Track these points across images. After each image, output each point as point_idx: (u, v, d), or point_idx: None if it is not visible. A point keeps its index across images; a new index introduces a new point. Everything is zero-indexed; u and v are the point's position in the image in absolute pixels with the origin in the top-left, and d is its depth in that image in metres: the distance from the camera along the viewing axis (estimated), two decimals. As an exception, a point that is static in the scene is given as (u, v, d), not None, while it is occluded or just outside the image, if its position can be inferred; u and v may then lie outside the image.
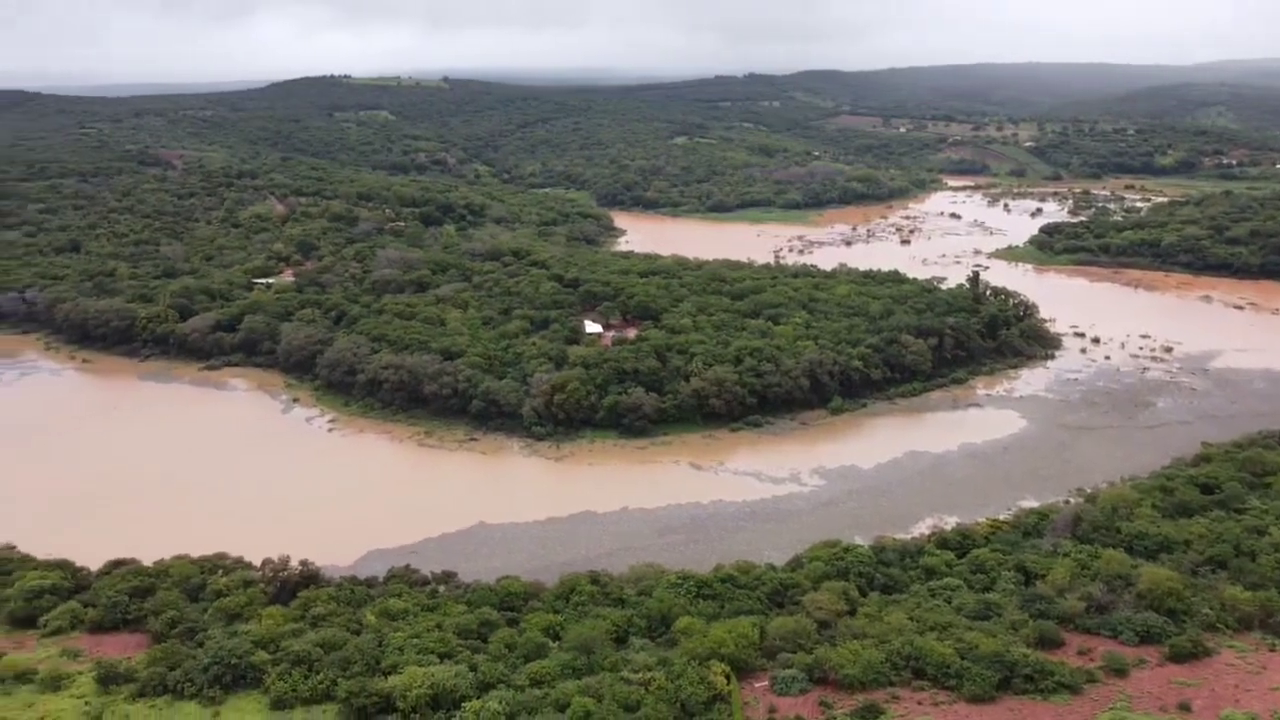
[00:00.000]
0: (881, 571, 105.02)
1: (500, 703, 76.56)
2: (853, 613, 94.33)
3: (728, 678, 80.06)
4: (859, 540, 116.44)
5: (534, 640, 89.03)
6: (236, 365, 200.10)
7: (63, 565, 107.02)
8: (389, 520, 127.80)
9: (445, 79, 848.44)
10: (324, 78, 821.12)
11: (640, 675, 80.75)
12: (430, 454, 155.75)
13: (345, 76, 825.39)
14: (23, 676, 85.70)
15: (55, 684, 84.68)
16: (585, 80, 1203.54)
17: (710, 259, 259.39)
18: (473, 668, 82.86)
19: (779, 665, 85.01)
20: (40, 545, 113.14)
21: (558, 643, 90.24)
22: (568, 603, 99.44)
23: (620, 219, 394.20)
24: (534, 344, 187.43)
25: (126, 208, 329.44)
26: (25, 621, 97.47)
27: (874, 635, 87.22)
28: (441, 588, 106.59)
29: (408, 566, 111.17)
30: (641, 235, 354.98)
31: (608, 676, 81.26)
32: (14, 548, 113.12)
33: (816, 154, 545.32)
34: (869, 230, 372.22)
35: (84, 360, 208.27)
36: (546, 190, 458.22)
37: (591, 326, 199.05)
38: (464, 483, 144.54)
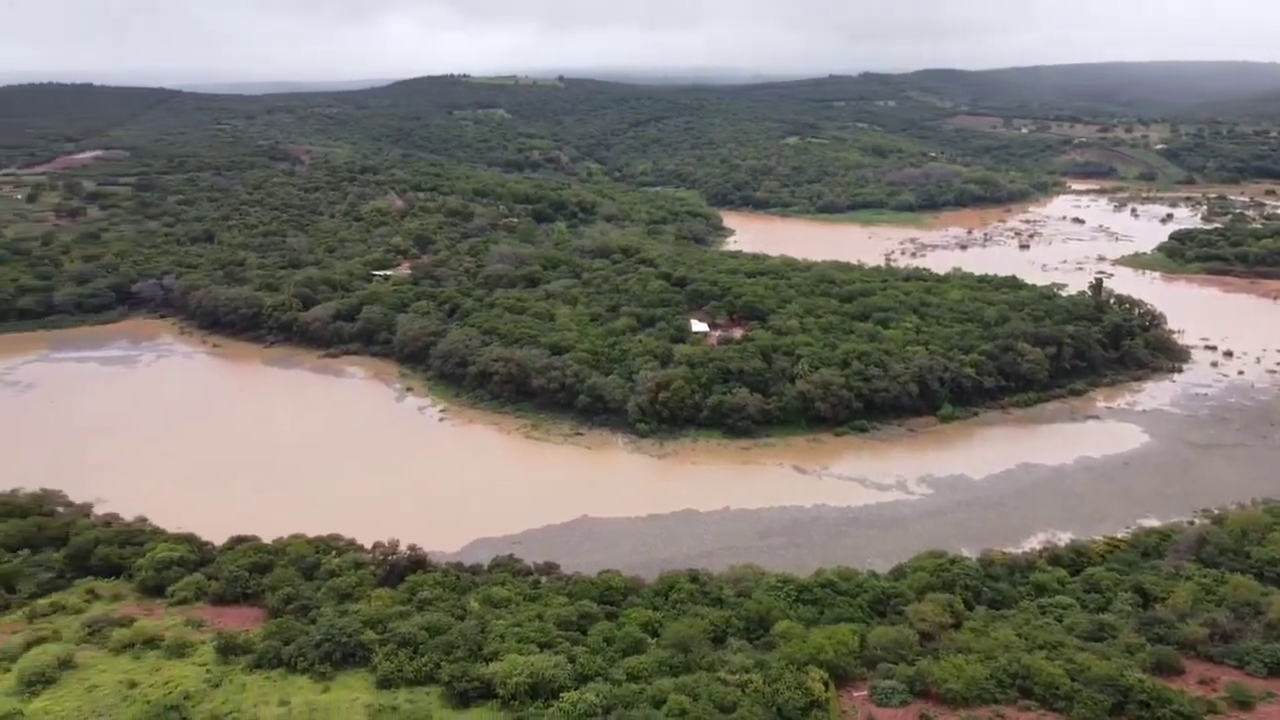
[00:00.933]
0: (989, 586, 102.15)
1: (597, 695, 77.52)
2: (957, 626, 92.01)
3: (826, 684, 79.15)
4: (966, 552, 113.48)
5: (632, 635, 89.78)
6: (354, 354, 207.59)
7: (189, 539, 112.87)
8: (494, 510, 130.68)
9: (561, 78, 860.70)
10: (444, 77, 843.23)
11: (737, 677, 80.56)
12: (536, 446, 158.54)
13: (464, 76, 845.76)
14: (151, 642, 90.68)
15: (180, 651, 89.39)
16: (699, 79, 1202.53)
17: (819, 260, 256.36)
18: (571, 659, 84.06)
19: (879, 675, 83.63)
20: (170, 519, 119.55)
21: (656, 639, 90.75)
22: (667, 600, 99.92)
23: (729, 218, 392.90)
24: (640, 341, 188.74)
25: (257, 200, 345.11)
26: (154, 590, 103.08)
27: (979, 651, 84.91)
28: (543, 578, 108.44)
29: (511, 556, 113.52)
30: (750, 235, 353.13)
31: (704, 676, 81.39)
32: (146, 520, 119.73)
33: (932, 155, 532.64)
34: (985, 234, 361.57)
35: (214, 345, 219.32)
36: (657, 189, 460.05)
37: (698, 325, 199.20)
38: (568, 476, 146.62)
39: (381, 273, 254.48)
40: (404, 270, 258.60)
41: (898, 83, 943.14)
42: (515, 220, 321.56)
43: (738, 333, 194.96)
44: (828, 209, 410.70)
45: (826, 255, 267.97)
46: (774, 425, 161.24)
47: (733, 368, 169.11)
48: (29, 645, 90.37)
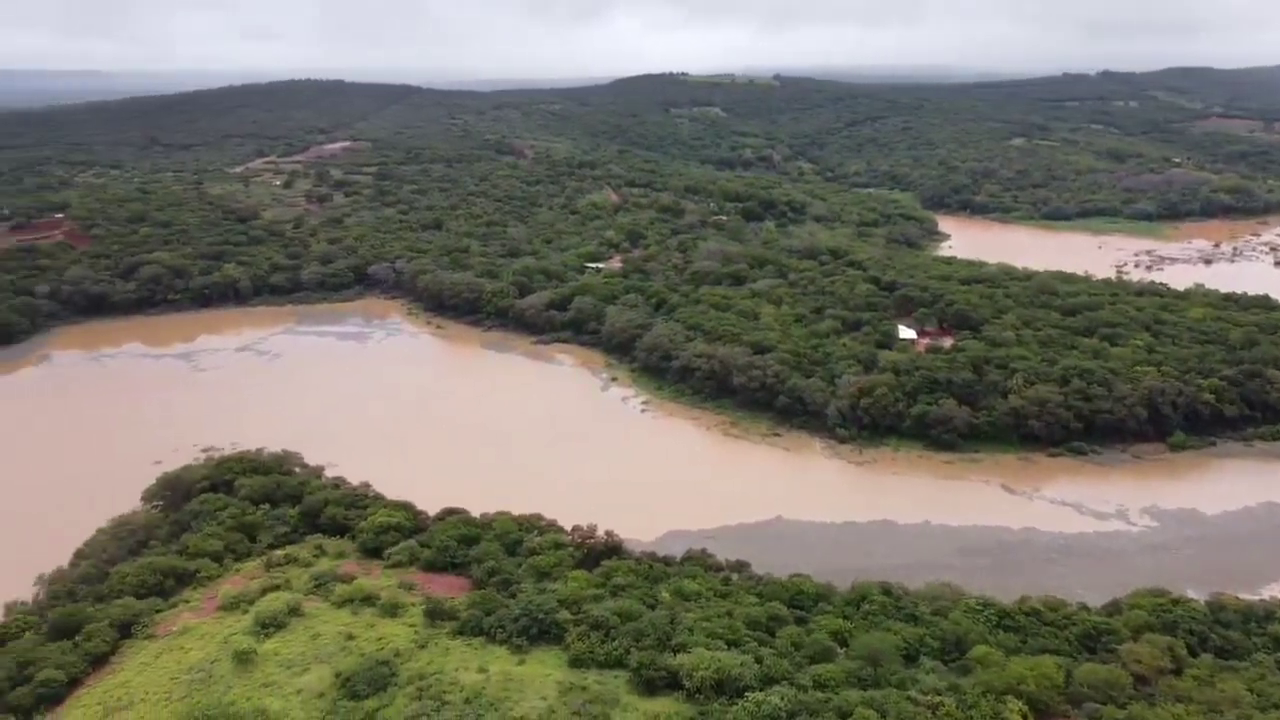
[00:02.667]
0: (1218, 633, 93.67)
1: (782, 699, 77.21)
2: (1178, 673, 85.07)
3: (1024, 717, 75.35)
4: (1192, 594, 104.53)
5: (821, 642, 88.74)
6: (564, 342, 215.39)
7: (407, 507, 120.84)
8: (690, 504, 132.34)
9: (777, 76, 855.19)
10: (663, 75, 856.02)
11: (929, 698, 78.03)
12: (734, 444, 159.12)
13: (683, 74, 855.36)
14: (368, 599, 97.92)
15: (393, 610, 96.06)
16: (920, 78, 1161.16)
17: (1041, 269, 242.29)
18: (758, 659, 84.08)
19: (1084, 715, 78.69)
20: (390, 486, 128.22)
21: (845, 649, 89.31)
22: (858, 610, 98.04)
23: (945, 222, 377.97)
24: (844, 345, 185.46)
25: (482, 192, 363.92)
26: (373, 552, 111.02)
27: (1202, 702, 78.22)
28: (734, 576, 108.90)
29: (704, 551, 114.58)
30: (966, 240, 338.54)
31: (894, 693, 79.35)
32: (369, 486, 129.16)
33: (1176, 160, 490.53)
34: (1235, 248, 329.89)
35: (437, 326, 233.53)
36: (869, 190, 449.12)
37: (905, 331, 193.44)
38: (764, 476, 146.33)
39: (594, 265, 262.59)
40: (615, 263, 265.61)
41: (1140, 82, 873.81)
42: (725, 218, 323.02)
43: (947, 341, 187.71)
44: (1053, 215, 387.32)
45: (1049, 264, 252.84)
46: (981, 440, 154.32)
47: (940, 377, 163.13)
48: (265, 591, 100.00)
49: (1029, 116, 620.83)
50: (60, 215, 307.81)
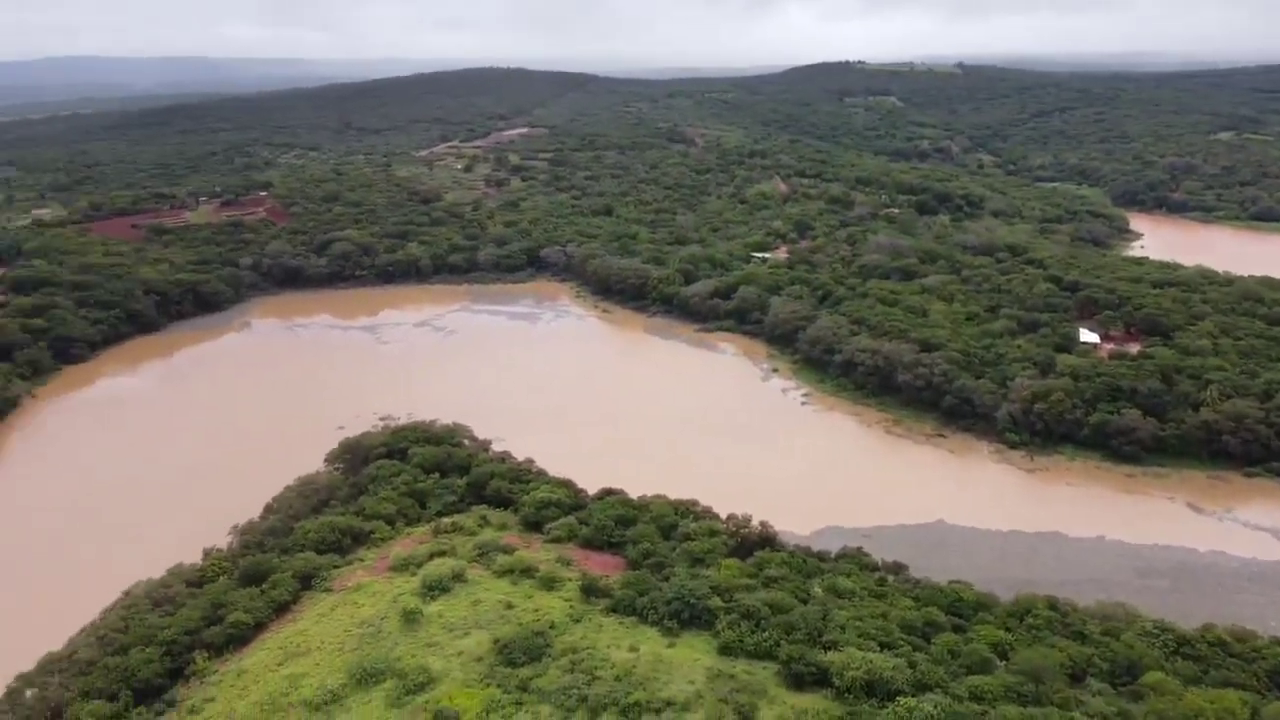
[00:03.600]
0: None
1: (935, 707, 75.10)
2: (1384, 721, 77.61)
3: (1201, 751, 70.68)
4: None
5: (979, 653, 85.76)
6: (727, 330, 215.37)
7: (567, 484, 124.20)
8: (847, 500, 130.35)
9: (959, 65, 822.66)
10: (837, 64, 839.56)
11: (1094, 720, 74.31)
12: (896, 443, 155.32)
13: (858, 63, 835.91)
14: (527, 571, 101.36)
15: (550, 584, 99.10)
16: (1117, 66, 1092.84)
17: (1244, 274, 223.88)
18: (912, 664, 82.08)
19: (1271, 756, 73.06)
20: (552, 463, 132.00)
21: (1005, 662, 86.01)
22: (1021, 623, 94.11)
23: (1137, 221, 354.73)
24: (1019, 346, 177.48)
25: (652, 179, 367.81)
26: (534, 525, 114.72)
27: None
28: (891, 577, 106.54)
29: (860, 549, 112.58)
30: (1160, 240, 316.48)
31: (1055, 713, 75.77)
32: (533, 462, 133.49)
33: None
34: None
35: (603, 310, 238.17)
36: (1054, 185, 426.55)
37: (1087, 335, 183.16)
38: (927, 477, 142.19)
39: (760, 255, 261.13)
40: (781, 254, 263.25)
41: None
42: (896, 210, 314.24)
43: (1134, 347, 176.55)
44: (1263, 216, 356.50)
45: (1255, 269, 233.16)
46: (1167, 454, 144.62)
47: (1124, 385, 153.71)
48: (432, 556, 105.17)
49: (1238, 108, 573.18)
50: (264, 194, 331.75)
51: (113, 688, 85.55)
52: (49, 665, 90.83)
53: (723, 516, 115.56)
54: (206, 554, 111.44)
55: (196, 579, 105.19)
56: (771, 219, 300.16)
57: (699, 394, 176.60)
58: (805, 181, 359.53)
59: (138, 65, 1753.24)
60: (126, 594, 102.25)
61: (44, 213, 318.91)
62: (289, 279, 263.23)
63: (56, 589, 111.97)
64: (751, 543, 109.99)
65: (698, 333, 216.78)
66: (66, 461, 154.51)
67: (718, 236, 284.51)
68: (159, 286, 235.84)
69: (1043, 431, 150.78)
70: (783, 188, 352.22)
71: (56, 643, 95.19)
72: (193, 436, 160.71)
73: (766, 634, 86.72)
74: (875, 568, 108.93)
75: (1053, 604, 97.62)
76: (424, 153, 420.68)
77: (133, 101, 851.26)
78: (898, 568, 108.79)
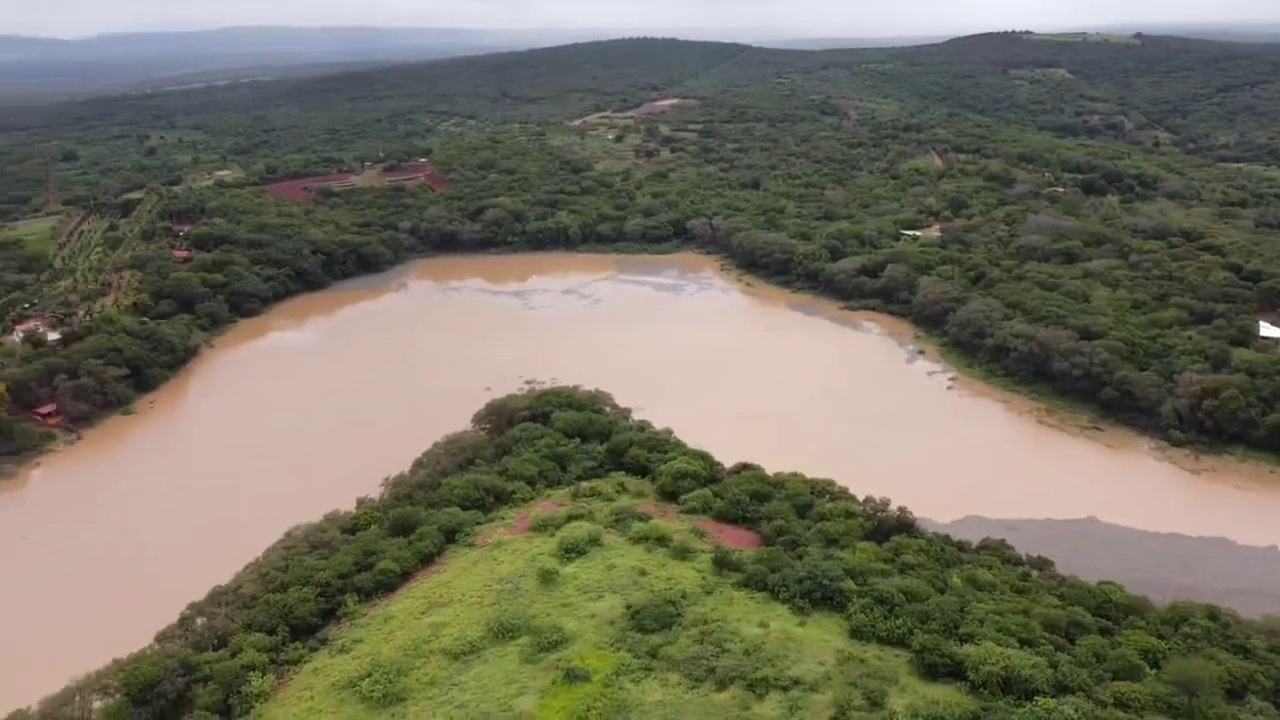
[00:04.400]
0: None
1: (1076, 710, 72.18)
2: None
3: (1374, 784, 65.61)
4: None
5: (1127, 658, 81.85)
6: (872, 309, 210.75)
7: (704, 456, 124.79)
8: (992, 490, 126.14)
9: (1138, 35, 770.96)
10: (1003, 33, 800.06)
11: (1252, 739, 69.97)
12: (1048, 434, 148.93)
13: (1025, 32, 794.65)
14: (661, 540, 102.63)
15: (683, 554, 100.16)
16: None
17: None
18: (1053, 664, 79.09)
19: None
20: (689, 434, 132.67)
21: (1155, 671, 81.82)
22: (1175, 631, 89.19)
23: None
24: (1189, 338, 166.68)
25: (802, 153, 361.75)
26: (669, 495, 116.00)
27: None
28: (1034, 573, 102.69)
29: (1003, 541, 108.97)
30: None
31: (1210, 727, 71.85)
32: (671, 432, 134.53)
33: None
34: None
35: (747, 284, 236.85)
36: (1239, 165, 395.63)
37: (1269, 329, 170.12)
38: (1079, 471, 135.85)
39: (910, 232, 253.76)
40: (933, 232, 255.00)
41: None
42: (1061, 190, 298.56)
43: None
44: None
45: None
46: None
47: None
48: (570, 519, 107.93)
49: None
50: (424, 160, 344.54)
51: (272, 622, 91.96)
52: (217, 597, 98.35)
53: (859, 498, 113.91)
54: (360, 503, 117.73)
55: (350, 526, 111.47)
56: (924, 195, 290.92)
57: (841, 373, 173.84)
58: (963, 157, 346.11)
59: (309, 35, 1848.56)
60: (287, 535, 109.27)
61: (225, 174, 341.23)
62: (444, 243, 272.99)
63: (224, 526, 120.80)
64: (889, 527, 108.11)
65: (842, 310, 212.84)
66: (238, 408, 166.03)
67: (867, 213, 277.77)
68: (325, 247, 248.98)
69: (1211, 430, 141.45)
70: (939, 163, 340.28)
71: (223, 577, 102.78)
72: (351, 390, 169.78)
73: (900, 621, 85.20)
74: (1019, 561, 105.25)
75: (1213, 614, 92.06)
76: (577, 122, 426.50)
77: (305, 70, 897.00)
78: (1043, 563, 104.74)
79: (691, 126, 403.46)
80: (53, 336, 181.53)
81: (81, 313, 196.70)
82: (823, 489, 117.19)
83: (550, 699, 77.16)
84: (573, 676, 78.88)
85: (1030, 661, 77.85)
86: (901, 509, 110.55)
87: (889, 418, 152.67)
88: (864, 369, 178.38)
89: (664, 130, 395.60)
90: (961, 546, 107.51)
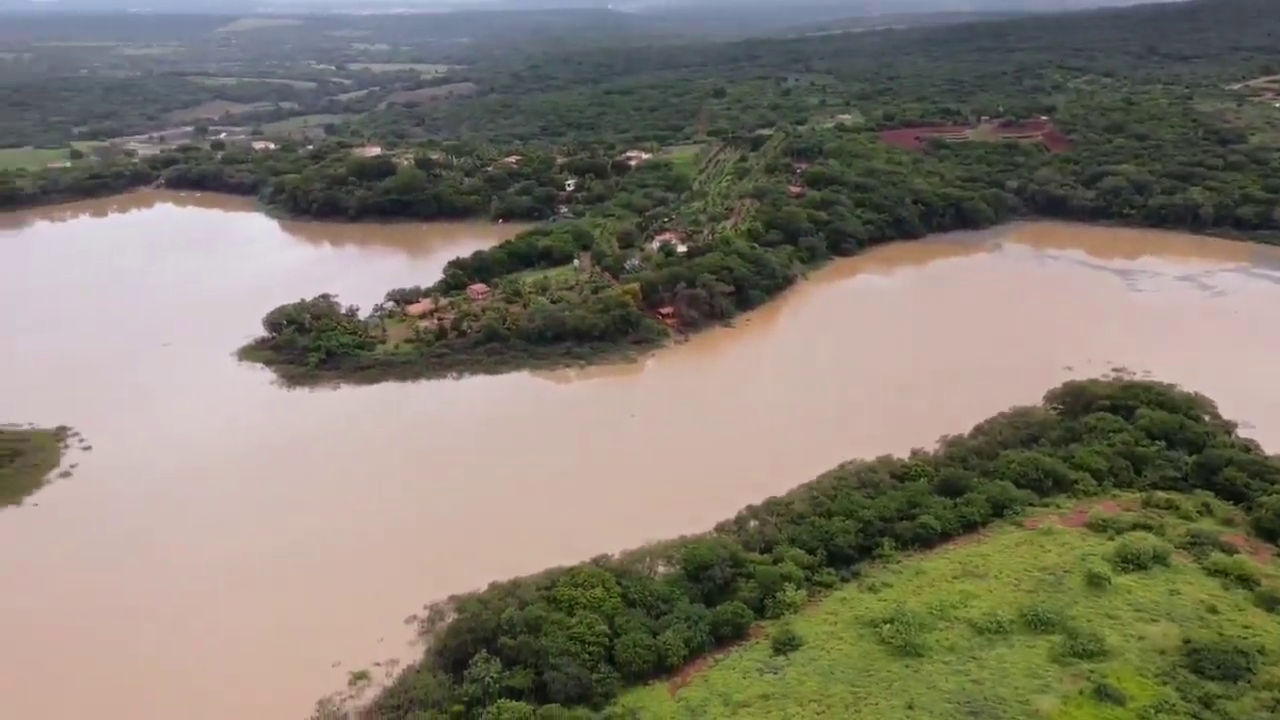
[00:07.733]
0: None
1: None
2: None
3: None
4: None
5: None
6: None
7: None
8: None
9: None
10: None
11: None
12: None
13: None
14: (1245, 580, 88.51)
15: (1271, 603, 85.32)
16: None
17: None
18: None
19: None
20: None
21: None
22: None
23: None
24: None
25: None
26: (1267, 533, 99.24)
27: None
28: None
29: None
30: None
31: None
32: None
33: None
34: None
35: None
36: None
37: None
38: None
39: None
40: None
41: None
42: None
43: None
44: None
45: None
46: None
47: None
48: (1134, 527, 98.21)
49: None
50: (1044, 118, 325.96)
51: (814, 543, 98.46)
52: (771, 505, 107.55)
53: None
54: (914, 454, 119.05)
55: (900, 474, 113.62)
56: None
57: None
58: None
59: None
60: (841, 467, 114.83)
61: (845, 118, 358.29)
62: (1050, 207, 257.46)
63: (783, 443, 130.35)
64: None
65: None
66: (819, 339, 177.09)
67: None
68: (926, 198, 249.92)
69: None
70: None
71: (775, 488, 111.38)
72: (924, 343, 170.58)
73: None
74: None
75: None
76: (1236, 86, 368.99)
77: (939, 19, 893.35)
78: None
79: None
80: (681, 249, 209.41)
81: (706, 231, 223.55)
82: None
83: (1074, 708, 72.61)
84: (1104, 694, 73.04)
85: None
86: None
87: None
88: None
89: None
90: None
